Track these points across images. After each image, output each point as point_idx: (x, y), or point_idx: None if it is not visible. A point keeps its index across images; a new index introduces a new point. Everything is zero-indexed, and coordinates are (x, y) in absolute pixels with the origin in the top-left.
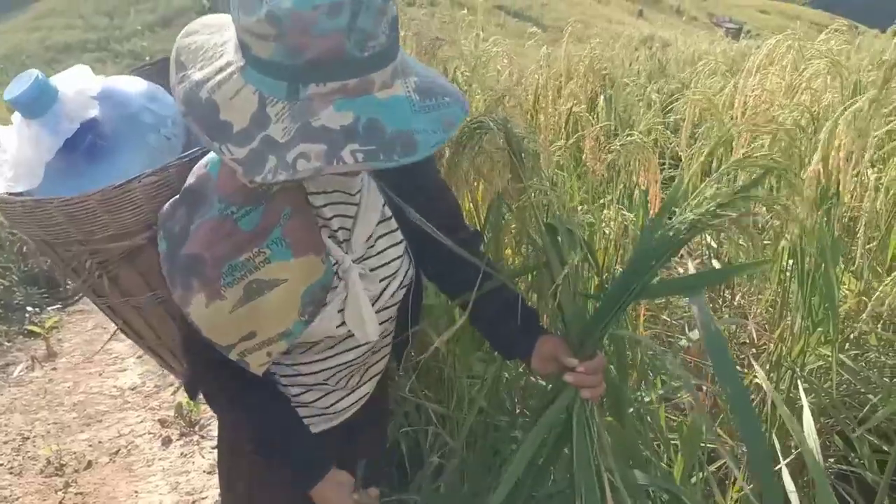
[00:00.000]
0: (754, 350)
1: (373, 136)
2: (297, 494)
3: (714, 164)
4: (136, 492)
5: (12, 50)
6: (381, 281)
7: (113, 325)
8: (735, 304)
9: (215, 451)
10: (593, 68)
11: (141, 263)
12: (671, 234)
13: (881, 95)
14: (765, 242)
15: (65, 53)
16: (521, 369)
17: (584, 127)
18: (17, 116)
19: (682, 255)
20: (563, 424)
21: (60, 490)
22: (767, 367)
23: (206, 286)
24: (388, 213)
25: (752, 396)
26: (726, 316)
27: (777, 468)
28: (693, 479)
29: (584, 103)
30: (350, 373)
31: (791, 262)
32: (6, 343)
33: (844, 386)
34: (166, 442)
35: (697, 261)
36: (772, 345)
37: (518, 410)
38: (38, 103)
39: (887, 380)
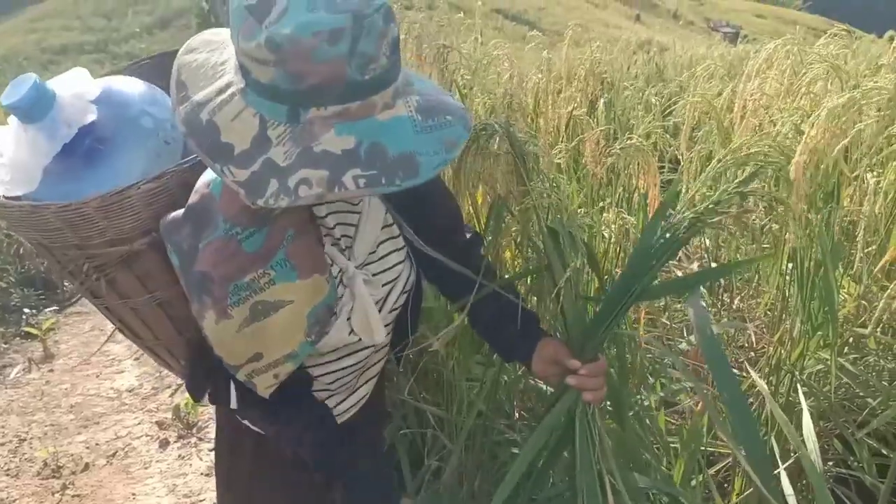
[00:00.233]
0: (753, 353)
1: (375, 161)
2: (298, 496)
3: (712, 166)
4: (133, 494)
5: (9, 52)
6: (384, 286)
7: (110, 327)
8: (734, 307)
9: (213, 452)
10: (593, 72)
11: (138, 267)
12: (669, 234)
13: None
14: (764, 246)
15: (62, 55)
16: (519, 372)
17: (584, 130)
18: (13, 120)
19: (680, 259)
20: (563, 427)
21: (57, 492)
22: (767, 371)
23: (215, 304)
24: (391, 219)
25: (752, 400)
26: (725, 319)
27: (776, 472)
28: (693, 483)
29: (584, 107)
30: (353, 376)
31: (790, 265)
32: (3, 345)
33: (844, 389)
34: (164, 444)
35: (696, 263)
36: (771, 348)
37: (517, 414)
38: (36, 108)
39: (886, 383)
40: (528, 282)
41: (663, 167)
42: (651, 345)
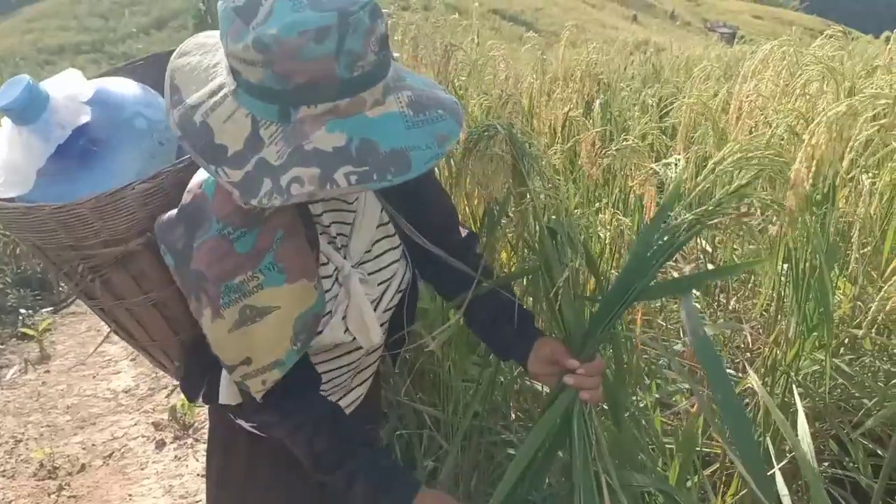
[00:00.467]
0: (749, 354)
1: (366, 157)
2: (293, 495)
3: (708, 168)
4: (129, 495)
5: (6, 52)
6: (379, 285)
7: (106, 328)
8: (731, 308)
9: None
10: (590, 73)
11: (133, 268)
12: (667, 236)
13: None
14: (760, 247)
15: (58, 55)
16: (515, 373)
17: (580, 131)
18: (6, 121)
19: (676, 260)
20: (559, 427)
21: (53, 493)
22: (763, 372)
23: (210, 303)
24: (386, 217)
25: (747, 401)
26: (722, 320)
27: (770, 472)
28: (688, 484)
29: (581, 107)
30: (346, 377)
31: (786, 266)
32: None
33: (839, 390)
34: (160, 445)
35: (692, 265)
36: (767, 349)
37: (513, 415)
38: (29, 110)
39: (882, 384)
40: (525, 282)
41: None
42: (647, 345)
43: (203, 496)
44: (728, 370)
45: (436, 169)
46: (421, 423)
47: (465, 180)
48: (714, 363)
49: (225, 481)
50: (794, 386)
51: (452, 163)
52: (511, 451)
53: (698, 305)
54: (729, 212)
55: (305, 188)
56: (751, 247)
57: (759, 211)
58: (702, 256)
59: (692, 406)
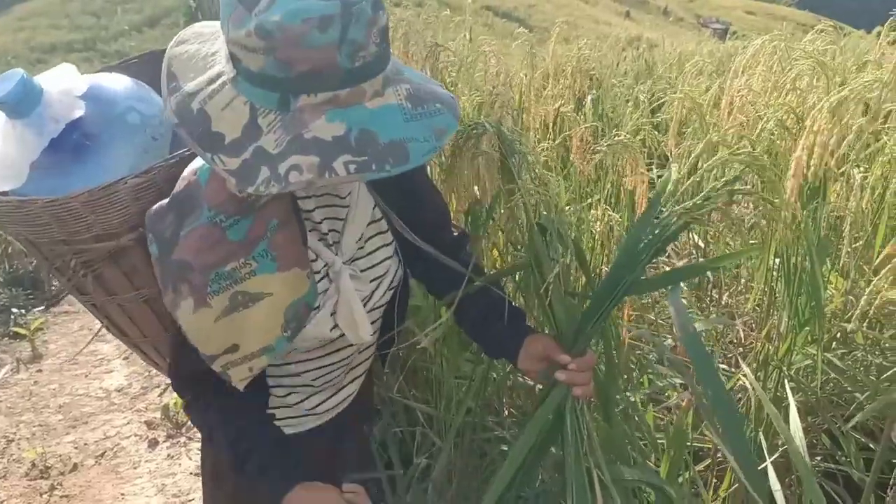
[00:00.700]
0: (742, 349)
1: (365, 147)
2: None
3: (699, 163)
4: (122, 494)
5: None
6: (371, 282)
7: (98, 326)
8: (723, 303)
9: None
10: (581, 69)
11: (125, 263)
12: (658, 230)
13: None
14: (752, 241)
15: (50, 54)
16: (507, 370)
17: (572, 127)
18: (0, 115)
19: (669, 255)
20: (551, 423)
21: (45, 493)
22: (755, 367)
23: (193, 292)
24: (379, 214)
25: (740, 396)
26: (714, 316)
27: (762, 466)
28: (680, 479)
29: (572, 103)
30: (336, 374)
31: (778, 261)
32: None
33: (832, 385)
34: (153, 444)
35: (685, 260)
36: (759, 344)
37: (506, 411)
38: (23, 104)
39: (874, 378)
40: (517, 279)
41: (652, 164)
42: (641, 340)
43: (196, 495)
44: (721, 365)
45: (427, 167)
46: (414, 420)
47: (455, 178)
48: (703, 357)
49: (220, 477)
50: (786, 380)
51: (444, 158)
52: (504, 448)
53: (685, 301)
54: (716, 205)
55: (304, 176)
56: (741, 241)
57: (750, 205)
58: (695, 252)
59: (682, 401)
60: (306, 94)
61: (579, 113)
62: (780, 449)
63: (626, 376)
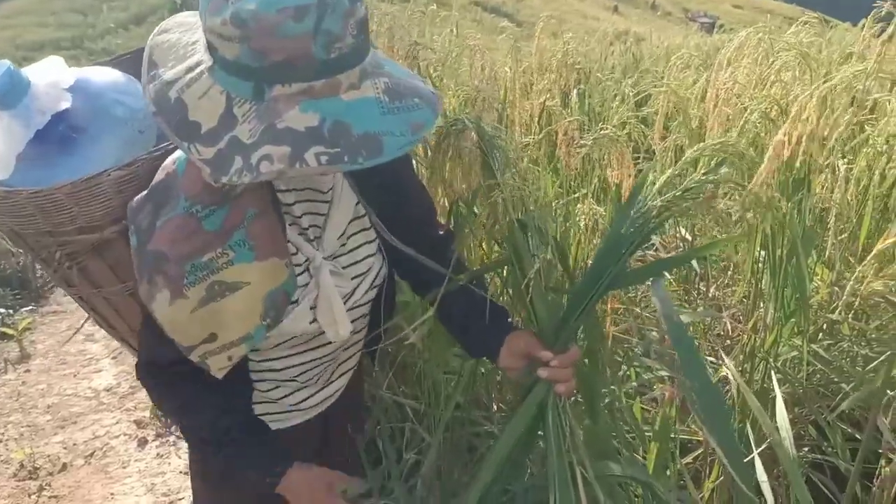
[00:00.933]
0: (729, 342)
1: (338, 139)
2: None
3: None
4: (111, 494)
5: None
6: (352, 279)
7: (86, 325)
8: (710, 296)
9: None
10: (566, 63)
11: (110, 256)
12: (639, 223)
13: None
14: (738, 233)
15: (37, 52)
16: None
17: (558, 121)
18: None
19: (657, 248)
20: (534, 420)
21: (34, 493)
22: (741, 359)
23: (169, 283)
24: (361, 211)
25: (728, 387)
26: (701, 308)
27: (749, 458)
28: (667, 472)
29: (558, 98)
30: (321, 369)
31: (763, 253)
32: None
33: (818, 376)
34: (142, 443)
35: (672, 253)
36: (745, 336)
37: (495, 406)
38: (10, 95)
39: (860, 368)
40: (504, 275)
41: (638, 157)
42: (627, 333)
43: (185, 493)
44: (709, 358)
45: (413, 163)
46: (403, 416)
47: (436, 175)
48: (688, 348)
49: (205, 473)
50: (772, 372)
51: (427, 153)
52: (492, 443)
53: (673, 293)
54: (697, 196)
55: (275, 166)
56: (735, 233)
57: (733, 195)
58: (682, 245)
59: (666, 393)
60: (281, 84)
61: (566, 108)
62: (768, 440)
63: (612, 369)
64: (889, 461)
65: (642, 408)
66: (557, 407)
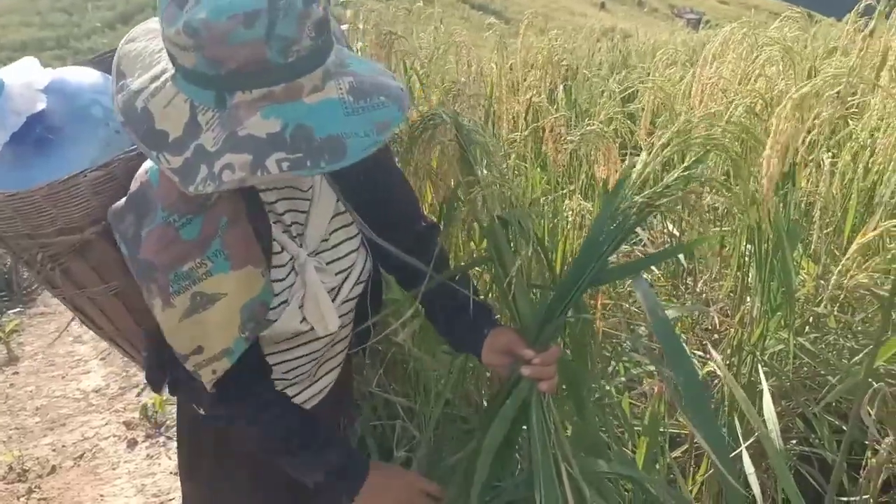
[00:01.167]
0: (717, 336)
1: (300, 143)
2: (261, 482)
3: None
4: (101, 495)
5: None
6: (337, 274)
7: (74, 327)
8: (697, 290)
9: None
10: (551, 60)
11: (92, 257)
12: (620, 219)
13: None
14: (724, 228)
15: (22, 52)
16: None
17: (545, 117)
18: None
19: (645, 244)
20: (517, 418)
21: (23, 496)
22: (729, 352)
23: (160, 291)
24: (342, 207)
25: (716, 381)
26: (689, 303)
27: (737, 451)
28: (657, 465)
29: (544, 94)
30: (310, 366)
31: (750, 247)
32: None
33: (805, 369)
34: (132, 444)
35: (659, 248)
36: (732, 330)
37: (485, 403)
38: None
39: (846, 361)
40: (493, 271)
41: (625, 153)
42: (616, 328)
43: (176, 494)
44: (696, 352)
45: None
46: (394, 413)
47: (411, 170)
48: (673, 343)
49: (194, 472)
50: (759, 365)
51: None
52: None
53: (661, 288)
54: (676, 194)
55: (236, 174)
56: (715, 229)
57: (720, 191)
58: (669, 240)
59: (654, 388)
60: (241, 91)
61: (553, 104)
62: (756, 434)
63: (601, 365)
64: (875, 452)
65: (631, 402)
66: (541, 404)
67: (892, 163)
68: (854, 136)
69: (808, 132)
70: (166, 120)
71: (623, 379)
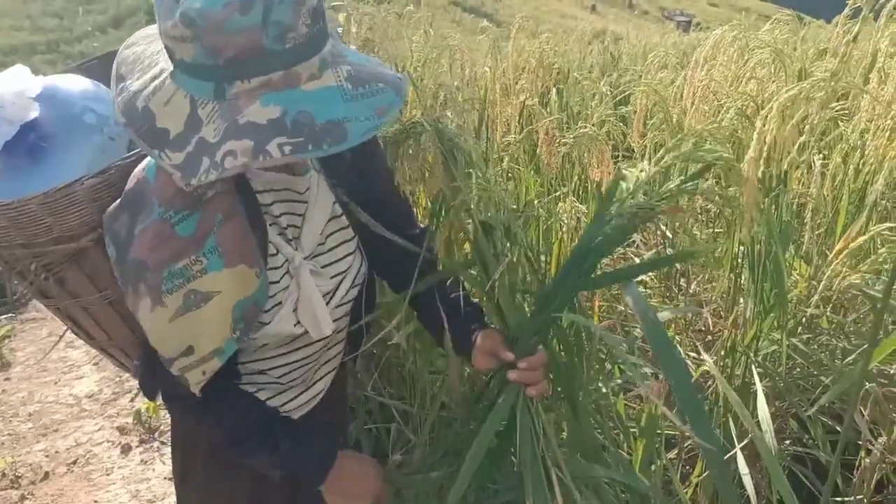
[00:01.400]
0: (710, 337)
1: (301, 128)
2: (254, 485)
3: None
4: (95, 501)
5: None
6: (332, 278)
7: (67, 332)
8: (691, 292)
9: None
10: (543, 63)
11: (87, 265)
12: (610, 229)
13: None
14: (717, 230)
15: (13, 56)
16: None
17: (538, 120)
18: None
19: (638, 246)
20: (507, 424)
21: (16, 502)
22: (722, 354)
23: (150, 291)
24: (339, 210)
25: (710, 383)
26: (682, 304)
27: (731, 453)
28: (652, 467)
29: (536, 97)
30: (303, 371)
31: (742, 248)
32: None
33: (798, 369)
34: (125, 449)
35: (653, 251)
36: (726, 332)
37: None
38: None
39: (839, 361)
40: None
41: (618, 156)
42: (611, 330)
43: (170, 499)
44: (690, 353)
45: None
46: (389, 417)
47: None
48: (665, 346)
49: (188, 476)
50: (753, 367)
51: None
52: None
53: (654, 290)
54: (662, 208)
55: (238, 160)
56: (707, 231)
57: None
58: (663, 242)
59: (651, 390)
60: (240, 81)
61: (545, 107)
62: (750, 435)
63: (596, 367)
64: (868, 452)
65: (626, 405)
66: (529, 409)
67: (886, 160)
68: (844, 138)
69: (800, 133)
70: (167, 117)
71: (619, 381)
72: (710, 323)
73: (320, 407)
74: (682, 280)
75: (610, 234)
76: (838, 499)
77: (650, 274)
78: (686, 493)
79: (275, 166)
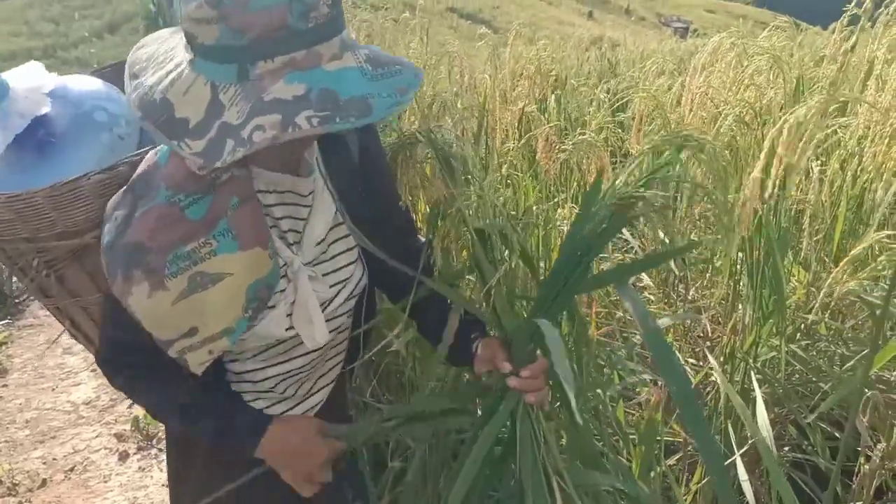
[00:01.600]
0: (709, 343)
1: (326, 103)
2: (250, 483)
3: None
4: None
5: None
6: (332, 286)
7: (64, 339)
8: (689, 298)
9: None
10: (540, 70)
11: (88, 263)
12: (593, 226)
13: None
14: (716, 236)
15: (10, 62)
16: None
17: (536, 127)
18: None
19: (635, 252)
20: (508, 432)
21: None
22: (721, 360)
23: (149, 275)
24: (340, 218)
25: (709, 389)
26: (681, 310)
27: (731, 459)
28: (652, 474)
29: (535, 104)
30: (299, 381)
31: (741, 255)
32: None
33: (797, 376)
34: (123, 456)
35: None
36: (725, 338)
37: (480, 412)
38: None
39: (837, 368)
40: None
41: (616, 162)
42: (610, 336)
43: None
44: (689, 360)
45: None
46: None
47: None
48: (664, 351)
49: (184, 475)
50: (752, 373)
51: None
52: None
53: (652, 296)
54: (643, 196)
55: (268, 132)
56: (707, 236)
57: (704, 200)
58: (660, 246)
59: (652, 396)
60: (263, 61)
61: (544, 114)
62: (750, 441)
63: (595, 373)
64: (868, 459)
65: (626, 411)
66: (529, 417)
67: (885, 167)
68: (842, 144)
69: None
70: (186, 106)
71: (618, 387)
72: (709, 329)
73: (319, 416)
74: (681, 286)
75: (595, 228)
76: None
77: (649, 281)
78: (686, 499)
79: (279, 170)
